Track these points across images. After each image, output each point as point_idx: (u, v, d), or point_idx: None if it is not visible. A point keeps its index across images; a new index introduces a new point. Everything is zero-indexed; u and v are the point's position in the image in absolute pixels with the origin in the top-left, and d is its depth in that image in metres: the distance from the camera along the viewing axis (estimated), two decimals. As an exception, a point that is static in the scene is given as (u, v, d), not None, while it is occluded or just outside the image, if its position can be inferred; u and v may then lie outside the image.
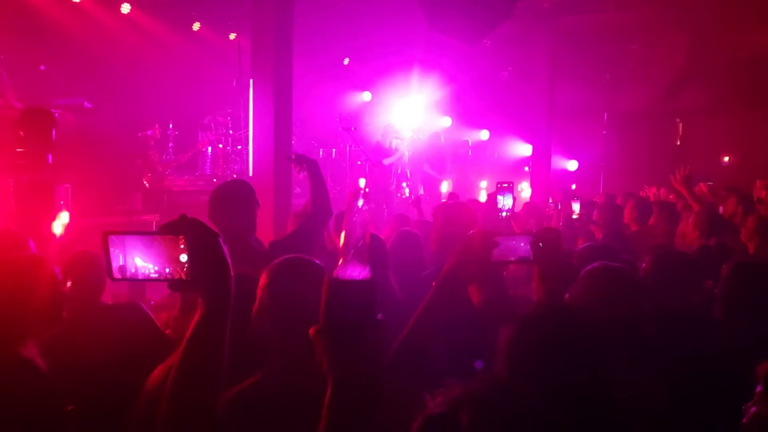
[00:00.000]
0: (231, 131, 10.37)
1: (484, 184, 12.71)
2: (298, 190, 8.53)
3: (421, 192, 11.89)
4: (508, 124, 13.86)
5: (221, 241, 1.39)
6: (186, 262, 1.36)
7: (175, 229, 1.37)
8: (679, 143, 14.89)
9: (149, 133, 9.77)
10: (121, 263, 1.37)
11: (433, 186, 11.46)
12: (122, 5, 10.06)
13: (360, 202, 1.27)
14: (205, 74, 10.69)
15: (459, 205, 3.94)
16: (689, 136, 14.89)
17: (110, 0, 9.97)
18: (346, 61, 12.70)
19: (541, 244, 2.36)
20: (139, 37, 10.30)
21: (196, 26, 11.09)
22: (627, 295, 2.37)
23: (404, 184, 11.53)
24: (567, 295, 2.43)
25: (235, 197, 3.27)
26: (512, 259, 2.34)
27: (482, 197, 9.37)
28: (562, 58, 11.82)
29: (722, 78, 13.16)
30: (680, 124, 14.87)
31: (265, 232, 4.37)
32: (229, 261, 1.39)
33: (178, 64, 10.49)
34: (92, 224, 7.98)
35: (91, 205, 8.03)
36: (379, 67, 12.28)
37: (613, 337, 1.89)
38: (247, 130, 8.77)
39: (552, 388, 1.57)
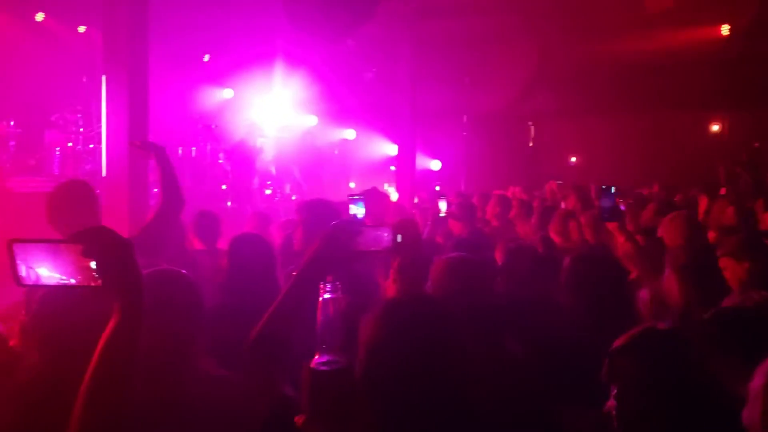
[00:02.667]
0: (82, 129, 9.73)
1: (353, 185, 12.83)
2: (155, 189, 8.15)
3: (288, 191, 11.80)
4: (374, 124, 14.06)
5: (132, 250, 1.43)
6: (94, 270, 1.38)
7: (84, 237, 1.38)
8: (531, 144, 15.80)
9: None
10: (23, 273, 1.37)
11: (300, 186, 11.42)
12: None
13: (326, 295, 1.39)
14: (52, 68, 9.96)
15: (325, 202, 3.93)
16: (541, 137, 15.85)
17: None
18: (206, 58, 12.32)
19: (399, 236, 2.43)
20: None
21: (39, 17, 10.31)
22: (483, 284, 2.50)
23: (268, 182, 11.39)
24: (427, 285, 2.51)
25: (73, 198, 3.13)
26: (374, 249, 2.42)
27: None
28: (423, 61, 12.15)
29: (568, 84, 14.13)
30: (532, 127, 15.78)
31: (121, 233, 4.10)
32: (140, 269, 1.45)
33: (19, 56, 9.70)
34: None
35: None
36: (241, 64, 11.99)
37: (471, 325, 1.97)
38: (100, 129, 8.26)
39: (406, 374, 1.61)
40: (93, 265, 1.37)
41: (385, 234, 2.40)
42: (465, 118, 14.33)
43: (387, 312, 1.74)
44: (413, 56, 11.70)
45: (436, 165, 15.12)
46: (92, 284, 1.38)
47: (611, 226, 3.95)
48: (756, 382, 1.49)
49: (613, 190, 3.79)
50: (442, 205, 6.01)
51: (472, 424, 1.66)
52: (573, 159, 16.05)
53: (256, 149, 10.73)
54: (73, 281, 1.37)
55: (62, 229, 3.05)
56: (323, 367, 1.30)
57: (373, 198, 5.20)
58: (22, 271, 1.36)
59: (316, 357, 1.33)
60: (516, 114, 15.26)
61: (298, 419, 1.31)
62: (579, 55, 13.19)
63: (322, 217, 3.35)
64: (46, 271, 1.36)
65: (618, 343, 1.80)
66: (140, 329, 1.43)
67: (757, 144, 12.65)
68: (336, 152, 12.90)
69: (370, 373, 1.64)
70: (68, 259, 1.37)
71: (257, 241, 3.36)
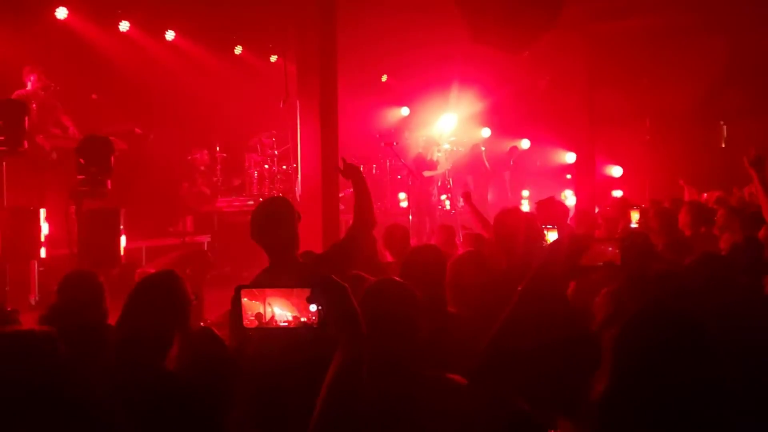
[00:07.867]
0: (276, 151, 10.55)
1: (526, 193, 12.70)
2: (342, 207, 8.64)
3: (461, 204, 11.95)
4: (548, 133, 13.81)
5: (349, 293, 1.57)
6: (315, 312, 1.54)
7: (306, 282, 1.55)
8: (724, 146, 14.63)
9: (197, 156, 10.06)
10: (260, 311, 1.56)
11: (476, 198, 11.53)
12: (166, 33, 10.36)
13: None
14: (249, 96, 10.91)
15: (515, 211, 4.04)
16: (734, 137, 14.61)
17: (155, 28, 10.28)
18: (384, 78, 12.84)
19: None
20: (184, 63, 10.58)
21: (238, 50, 11.34)
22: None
23: (444, 197, 11.58)
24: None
25: (274, 214, 3.26)
26: (600, 263, 2.38)
27: (525, 207, 9.36)
28: (600, 64, 11.75)
29: (764, 78, 12.93)
30: (724, 126, 14.62)
31: (315, 248, 4.40)
32: (359, 310, 1.56)
33: (222, 87, 10.74)
34: (146, 246, 8.22)
35: (144, 227, 8.26)
36: (416, 82, 12.38)
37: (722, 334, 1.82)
38: (292, 150, 8.94)
39: (661, 387, 1.54)
40: (313, 308, 1.53)
41: (611, 248, 2.39)
42: (647, 121, 13.63)
43: (635, 324, 1.65)
44: (588, 61, 11.37)
45: (616, 171, 14.52)
46: (309, 325, 1.54)
47: None
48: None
49: None
50: (634, 216, 5.71)
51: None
52: (772, 160, 14.61)
53: (433, 163, 10.98)
54: (303, 320, 1.54)
55: (265, 244, 3.21)
56: None
57: (547, 206, 5.13)
58: (256, 309, 1.56)
59: None
60: (704, 113, 14.20)
61: None
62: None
63: (514, 231, 3.47)
64: (278, 310, 1.55)
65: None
66: (363, 361, 1.54)
67: None
68: (511, 163, 12.86)
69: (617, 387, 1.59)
70: (294, 301, 1.55)
71: (433, 252, 3.50)
